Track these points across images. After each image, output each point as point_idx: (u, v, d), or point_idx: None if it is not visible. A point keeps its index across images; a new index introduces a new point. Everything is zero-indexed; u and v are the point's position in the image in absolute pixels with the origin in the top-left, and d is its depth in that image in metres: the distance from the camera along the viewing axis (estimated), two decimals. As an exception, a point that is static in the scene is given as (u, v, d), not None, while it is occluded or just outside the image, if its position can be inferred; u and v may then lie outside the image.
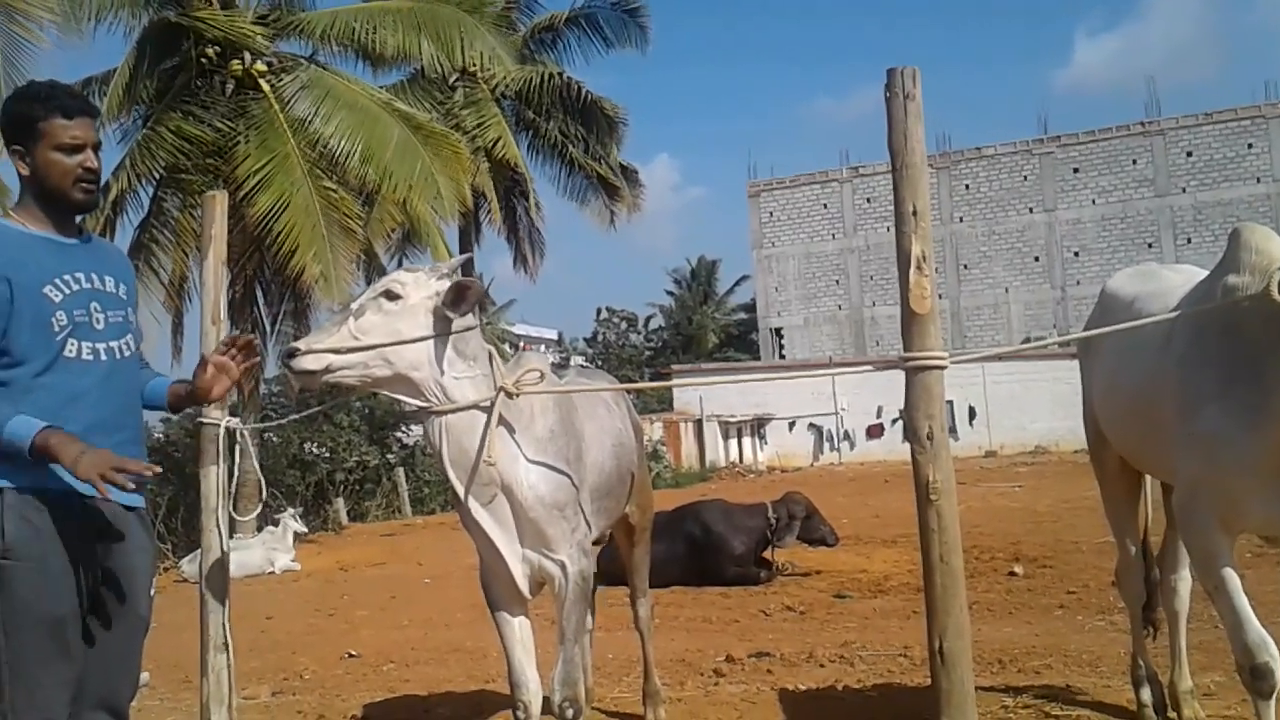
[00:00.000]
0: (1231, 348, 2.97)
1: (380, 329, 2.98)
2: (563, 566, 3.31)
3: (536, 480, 3.21)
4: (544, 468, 3.23)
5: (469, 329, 3.11)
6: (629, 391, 4.97)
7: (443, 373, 3.05)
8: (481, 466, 3.08)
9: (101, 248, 2.87)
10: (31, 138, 2.60)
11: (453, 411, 3.06)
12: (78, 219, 2.78)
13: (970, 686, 2.51)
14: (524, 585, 3.32)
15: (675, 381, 34.30)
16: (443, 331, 3.04)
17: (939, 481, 2.49)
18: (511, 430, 3.17)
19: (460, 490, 3.13)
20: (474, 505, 3.16)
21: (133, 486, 2.46)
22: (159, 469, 2.57)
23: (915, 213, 2.53)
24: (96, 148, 2.68)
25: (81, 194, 2.65)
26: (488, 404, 3.07)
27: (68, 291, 2.60)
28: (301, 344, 2.95)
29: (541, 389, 3.22)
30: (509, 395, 3.11)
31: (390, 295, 3.02)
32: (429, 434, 3.14)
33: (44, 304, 2.55)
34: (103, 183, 2.85)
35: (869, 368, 3.51)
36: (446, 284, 3.07)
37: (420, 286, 3.05)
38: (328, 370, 2.94)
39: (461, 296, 3.02)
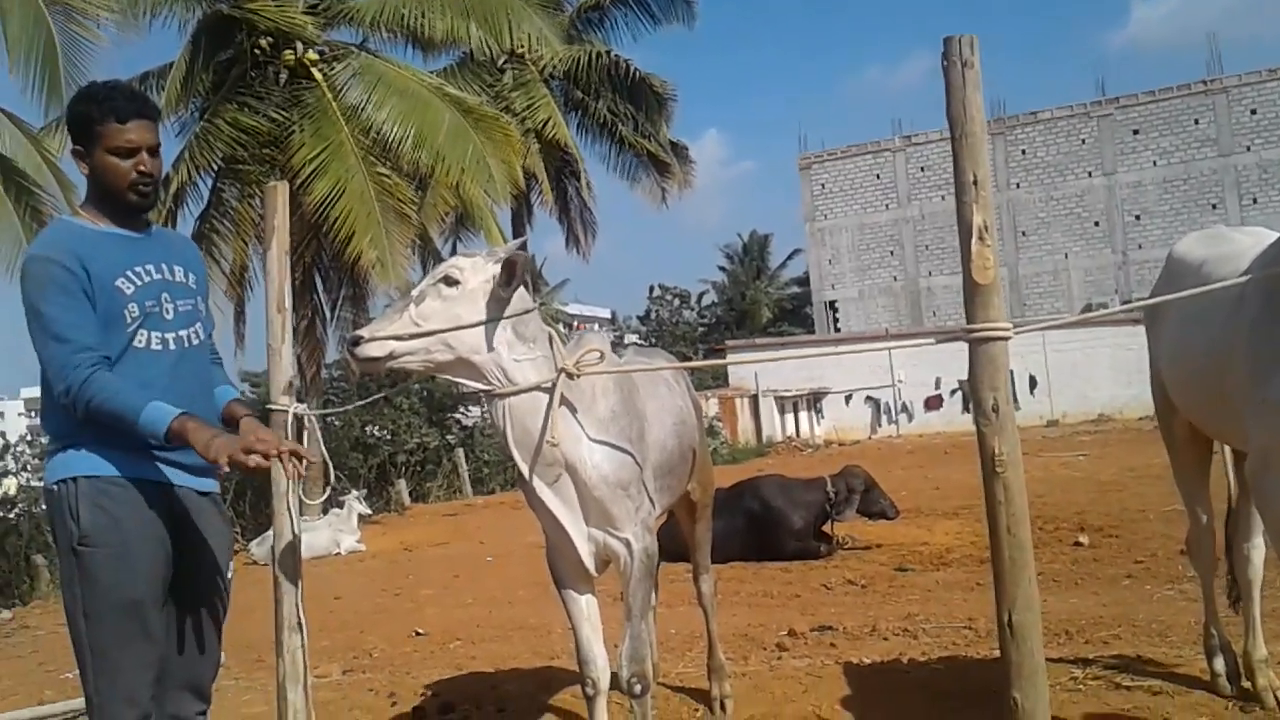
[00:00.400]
0: (1305, 311, 2.89)
1: (440, 314, 3.01)
2: (628, 544, 3.34)
3: (600, 460, 3.24)
4: (607, 447, 3.26)
5: (527, 311, 3.14)
6: (686, 370, 4.96)
7: (504, 355, 3.08)
8: (545, 447, 3.11)
9: (169, 238, 2.93)
10: (89, 140, 2.65)
11: (515, 394, 3.09)
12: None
13: (1040, 659, 2.49)
14: (590, 563, 3.36)
15: (732, 359, 34.17)
16: (502, 314, 3.07)
17: (1004, 453, 2.47)
18: (574, 410, 3.20)
19: (525, 470, 3.17)
20: (539, 485, 3.20)
21: (264, 462, 2.54)
22: (298, 450, 2.66)
23: (976, 182, 2.49)
24: (154, 150, 2.70)
25: (136, 196, 2.69)
26: (549, 385, 3.10)
27: (139, 283, 2.66)
28: (365, 331, 2.99)
29: (601, 369, 3.24)
30: (570, 376, 3.13)
31: (449, 281, 3.05)
32: (493, 416, 3.18)
33: (117, 297, 2.61)
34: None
35: (930, 340, 3.47)
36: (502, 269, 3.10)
37: (478, 271, 3.08)
38: (391, 356, 2.98)
39: (511, 273, 3.06)
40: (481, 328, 3.05)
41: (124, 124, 2.63)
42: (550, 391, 3.10)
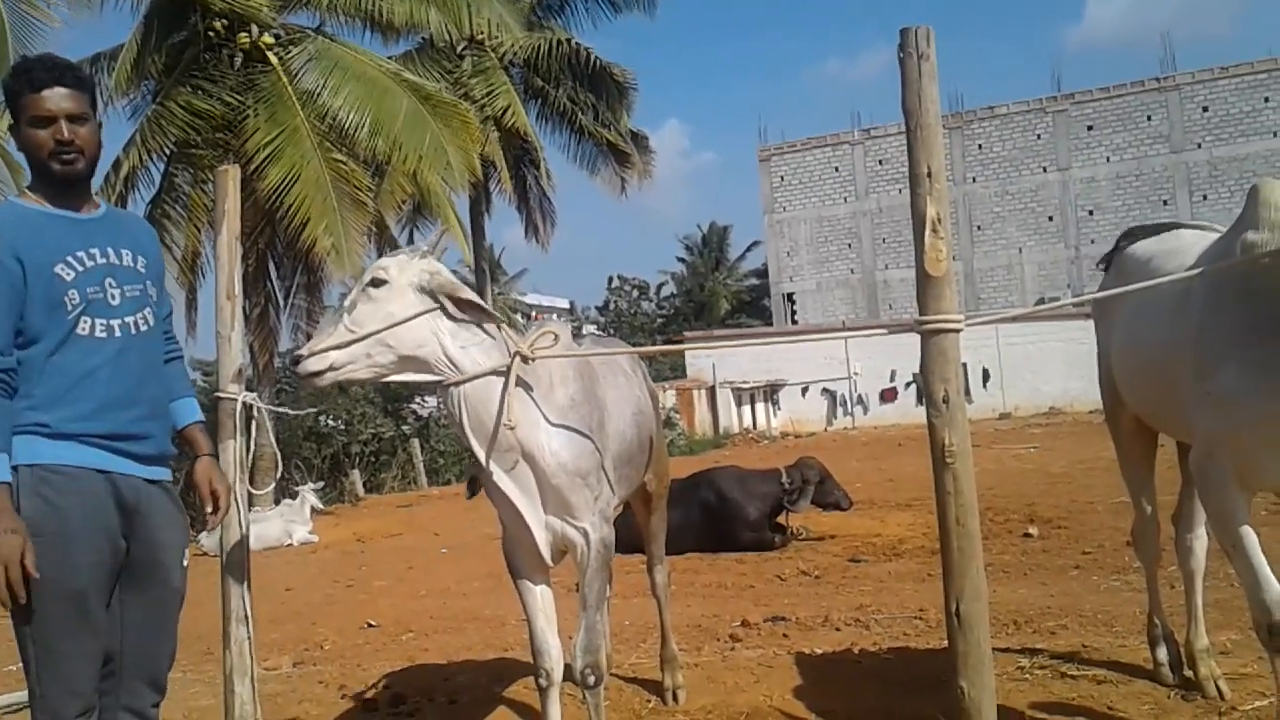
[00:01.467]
0: (1250, 306, 2.93)
1: (373, 316, 3.01)
2: (585, 534, 3.34)
3: (559, 447, 3.23)
4: (566, 434, 3.26)
5: (461, 300, 3.13)
6: (644, 356, 4.96)
7: (449, 344, 3.08)
8: (503, 432, 3.11)
9: (121, 220, 2.85)
10: (17, 114, 2.60)
11: (469, 380, 3.09)
12: (93, 193, 2.77)
13: (987, 648, 2.52)
14: (546, 552, 3.36)
15: (688, 345, 34.28)
16: (435, 306, 3.07)
17: (955, 445, 2.49)
18: (531, 395, 3.19)
19: (482, 457, 3.15)
20: (497, 471, 3.19)
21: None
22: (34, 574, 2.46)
23: (930, 174, 2.50)
24: (74, 118, 2.60)
25: (59, 165, 2.60)
26: (504, 369, 3.10)
27: (80, 269, 2.59)
28: (304, 350, 3.00)
29: (556, 352, 3.23)
30: (525, 360, 3.12)
31: (376, 283, 3.05)
32: (448, 406, 3.17)
33: (55, 283, 2.55)
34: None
35: (883, 332, 3.49)
36: (428, 262, 3.13)
37: (404, 268, 3.09)
38: (333, 368, 2.99)
39: (462, 304, 3.11)
40: (418, 321, 3.04)
41: (39, 92, 2.56)
42: (505, 375, 3.09)
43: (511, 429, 3.10)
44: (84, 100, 2.64)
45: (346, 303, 3.08)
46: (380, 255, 18.01)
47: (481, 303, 3.14)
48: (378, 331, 3.00)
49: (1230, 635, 4.58)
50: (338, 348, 2.97)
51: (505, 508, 3.30)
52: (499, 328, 3.18)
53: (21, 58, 2.80)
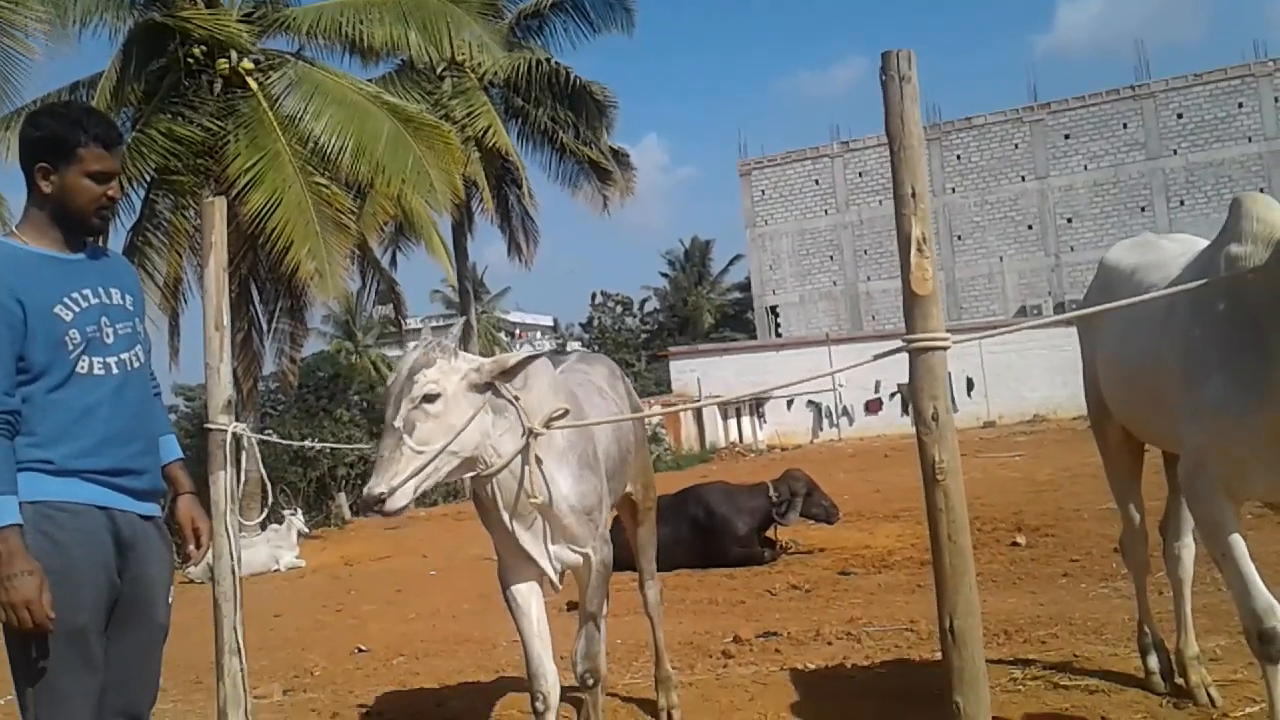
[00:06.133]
0: (1234, 317, 2.97)
1: (437, 432, 3.05)
2: (587, 557, 3.50)
3: (569, 491, 3.38)
4: (572, 477, 3.40)
5: (510, 369, 3.23)
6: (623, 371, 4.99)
7: (492, 435, 3.19)
8: (528, 502, 3.26)
9: (106, 260, 2.86)
10: (65, 160, 2.61)
11: (503, 469, 3.22)
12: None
13: (981, 663, 2.53)
14: (555, 579, 3.50)
15: (680, 406, 34.27)
16: (484, 404, 3.16)
17: (945, 461, 2.50)
18: (539, 459, 3.29)
19: (507, 521, 3.31)
20: (518, 529, 3.34)
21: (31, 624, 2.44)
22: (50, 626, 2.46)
23: (914, 195, 2.52)
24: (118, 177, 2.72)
25: (99, 220, 2.70)
26: (524, 448, 3.23)
27: (78, 309, 2.61)
28: (380, 487, 2.95)
29: (567, 424, 3.32)
30: (535, 435, 3.23)
31: (430, 398, 3.06)
32: (483, 492, 3.30)
33: (56, 324, 2.56)
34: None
35: (869, 359, 3.51)
36: (466, 359, 3.19)
37: (449, 374, 3.12)
38: (416, 491, 3.03)
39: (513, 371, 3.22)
40: (475, 421, 3.11)
41: (108, 150, 2.65)
42: (524, 454, 3.21)
43: (536, 502, 3.23)
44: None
45: (398, 422, 3.03)
46: (364, 279, 17.73)
47: (522, 357, 3.25)
48: (445, 446, 3.05)
49: (1219, 641, 4.61)
50: (415, 475, 2.99)
51: (511, 547, 3.42)
52: (515, 400, 3.24)
53: (55, 103, 2.86)
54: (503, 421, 3.21)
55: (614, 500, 3.98)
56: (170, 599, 2.80)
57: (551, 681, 3.47)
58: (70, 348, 2.58)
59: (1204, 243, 3.55)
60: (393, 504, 2.95)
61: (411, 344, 3.26)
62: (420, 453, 2.99)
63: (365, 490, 2.98)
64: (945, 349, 2.54)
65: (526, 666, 3.52)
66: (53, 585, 2.46)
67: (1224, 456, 3.02)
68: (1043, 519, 9.80)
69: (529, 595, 3.52)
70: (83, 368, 2.60)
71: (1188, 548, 4.10)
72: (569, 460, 3.39)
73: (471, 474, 3.23)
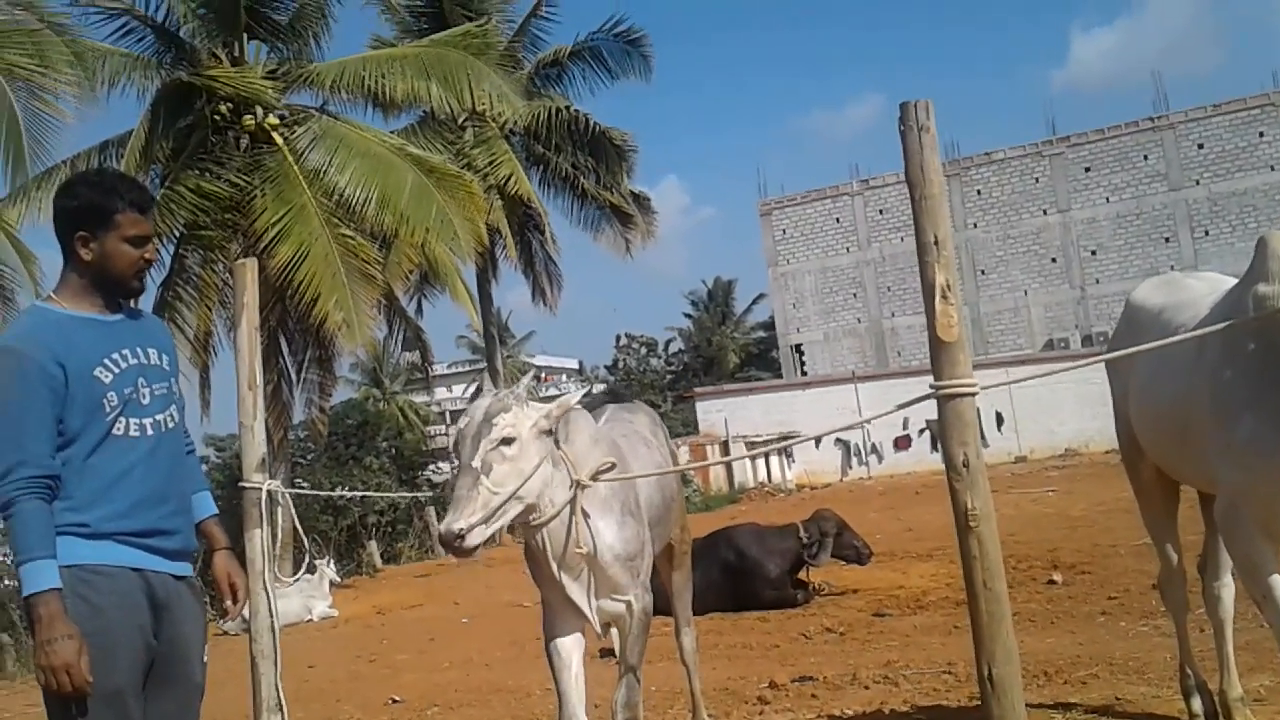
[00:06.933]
0: (1265, 357, 2.96)
1: (511, 475, 3.11)
2: (629, 605, 3.54)
3: (613, 540, 3.44)
4: (616, 525, 3.46)
5: (568, 410, 3.35)
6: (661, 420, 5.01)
7: (551, 483, 3.27)
8: (575, 552, 3.33)
9: (141, 319, 2.92)
10: (105, 226, 2.69)
11: (554, 517, 3.29)
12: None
13: (1022, 710, 2.51)
14: (599, 629, 3.56)
15: (717, 458, 34.19)
16: (548, 452, 3.25)
17: (978, 508, 2.50)
18: (585, 513, 3.37)
19: (555, 572, 3.37)
20: (566, 580, 3.40)
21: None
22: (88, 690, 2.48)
23: (937, 242, 2.55)
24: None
25: (138, 282, 2.79)
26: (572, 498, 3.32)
27: (117, 370, 2.66)
28: (458, 524, 2.98)
29: (612, 477, 3.41)
30: (583, 487, 3.33)
31: (508, 441, 3.13)
32: (538, 541, 3.34)
33: (96, 386, 2.61)
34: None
35: (896, 391, 3.53)
36: (537, 406, 3.27)
37: (524, 420, 3.19)
38: (487, 532, 3.08)
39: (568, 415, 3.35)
40: (540, 468, 3.19)
41: (143, 215, 2.74)
42: (571, 505, 3.30)
43: (581, 552, 3.31)
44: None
45: (476, 462, 3.08)
46: (391, 327, 17.90)
47: (570, 401, 3.38)
48: (517, 490, 3.11)
49: (1264, 680, 4.54)
50: (489, 516, 3.04)
51: (557, 596, 3.48)
52: (566, 458, 3.35)
53: (90, 170, 2.95)
54: (558, 474, 3.29)
55: (658, 547, 4.03)
56: (205, 657, 2.82)
57: (584, 732, 3.48)
58: (108, 410, 2.62)
59: (1231, 281, 3.53)
60: (471, 542, 2.99)
61: (484, 390, 3.31)
62: (495, 494, 3.05)
63: (444, 526, 3.00)
64: (974, 394, 2.55)
65: (559, 716, 3.53)
66: (90, 648, 2.48)
67: (1260, 496, 2.99)
68: (1079, 555, 9.67)
69: (572, 649, 3.55)
70: (119, 429, 2.65)
71: (1227, 587, 4.05)
72: (612, 508, 3.46)
73: (523, 522, 3.28)
